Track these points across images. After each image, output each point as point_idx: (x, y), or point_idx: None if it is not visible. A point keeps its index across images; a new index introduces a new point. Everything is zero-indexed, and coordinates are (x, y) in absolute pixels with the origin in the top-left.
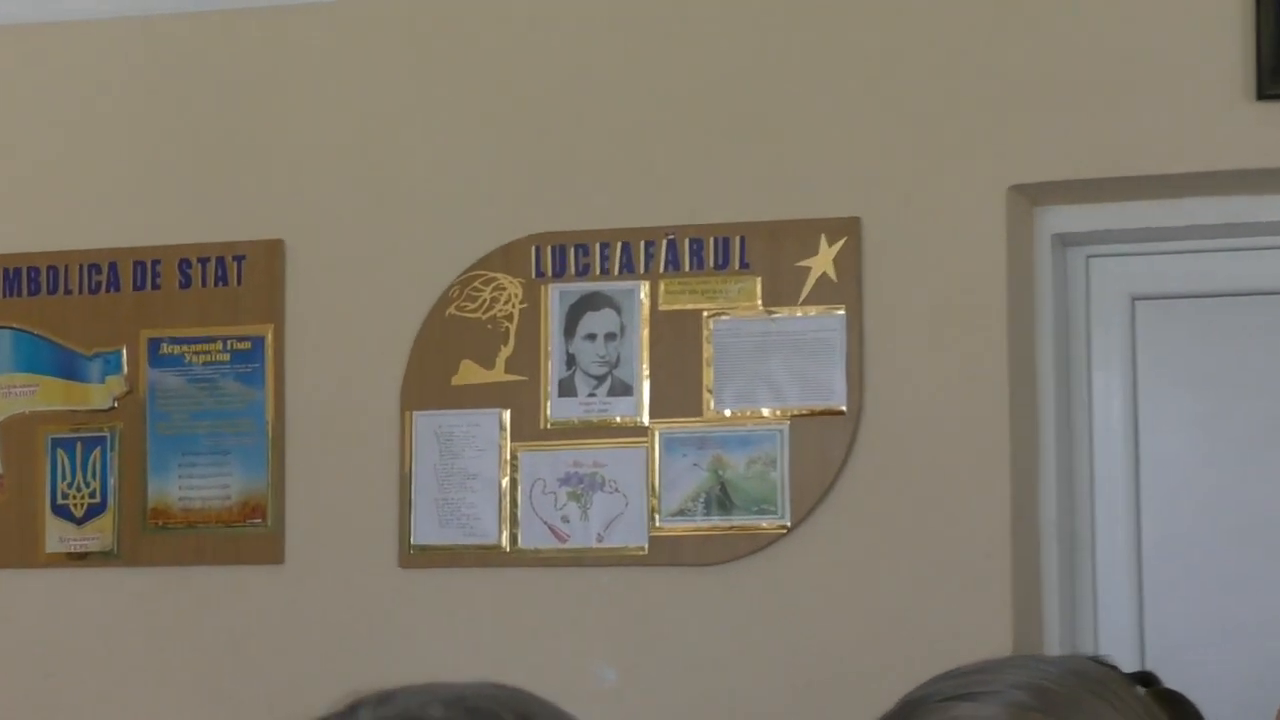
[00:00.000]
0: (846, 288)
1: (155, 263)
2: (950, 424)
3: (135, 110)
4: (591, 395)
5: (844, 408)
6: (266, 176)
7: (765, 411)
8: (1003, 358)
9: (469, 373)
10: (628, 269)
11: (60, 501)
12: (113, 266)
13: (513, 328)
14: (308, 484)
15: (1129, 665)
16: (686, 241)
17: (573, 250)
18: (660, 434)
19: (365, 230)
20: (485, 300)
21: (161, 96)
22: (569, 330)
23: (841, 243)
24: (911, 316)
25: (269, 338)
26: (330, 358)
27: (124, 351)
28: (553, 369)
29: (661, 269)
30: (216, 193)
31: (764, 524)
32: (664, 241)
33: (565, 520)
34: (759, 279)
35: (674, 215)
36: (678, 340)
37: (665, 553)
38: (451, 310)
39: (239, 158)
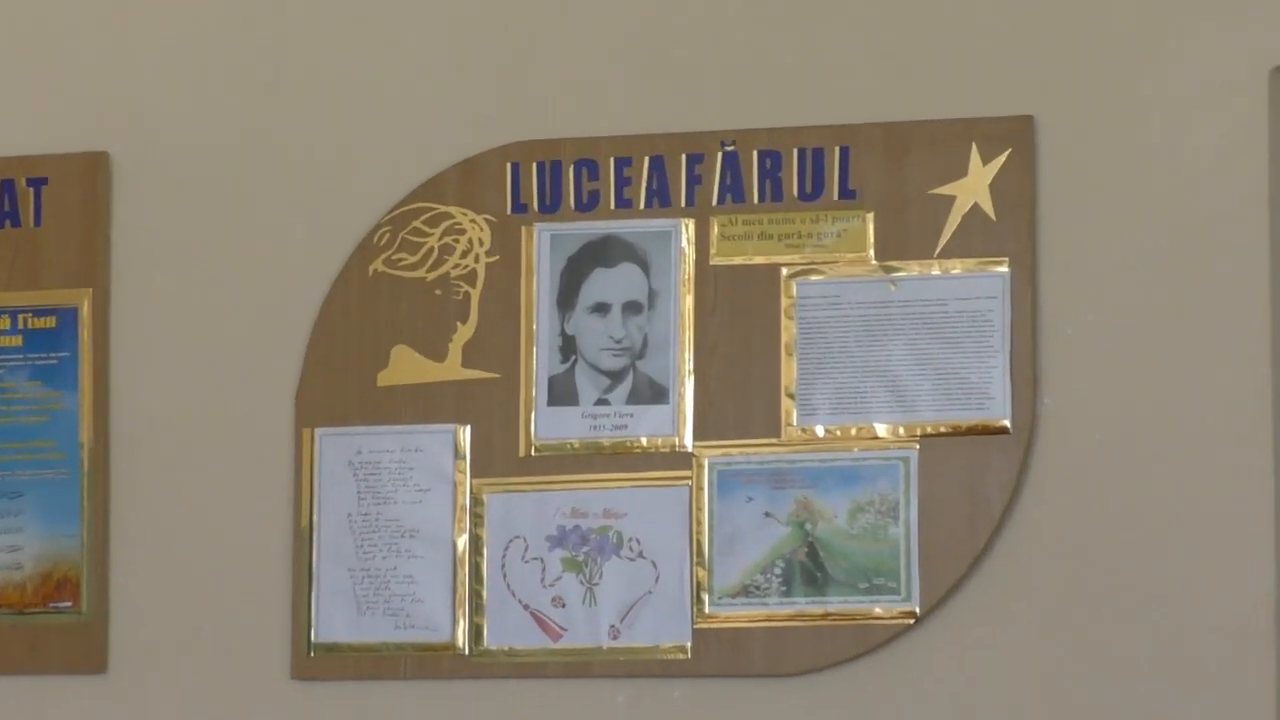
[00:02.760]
0: (1011, 229)
1: None
2: (1179, 444)
3: None
4: (602, 402)
5: (1007, 422)
6: (83, 62)
7: (881, 429)
8: (1265, 334)
9: (405, 366)
10: (660, 199)
11: None
12: None
13: (475, 294)
14: (145, 545)
15: None
16: (754, 155)
17: (571, 170)
18: (712, 465)
19: (237, 140)
20: (431, 250)
21: None
22: (566, 298)
23: (1003, 157)
24: (1115, 273)
25: (84, 310)
26: (180, 342)
27: None
28: (540, 360)
29: (715, 199)
30: (6, 86)
31: (878, 610)
32: (719, 155)
33: (560, 604)
34: (870, 216)
35: (734, 113)
36: (740, 314)
37: (719, 656)
38: (377, 266)
39: (42, 38)
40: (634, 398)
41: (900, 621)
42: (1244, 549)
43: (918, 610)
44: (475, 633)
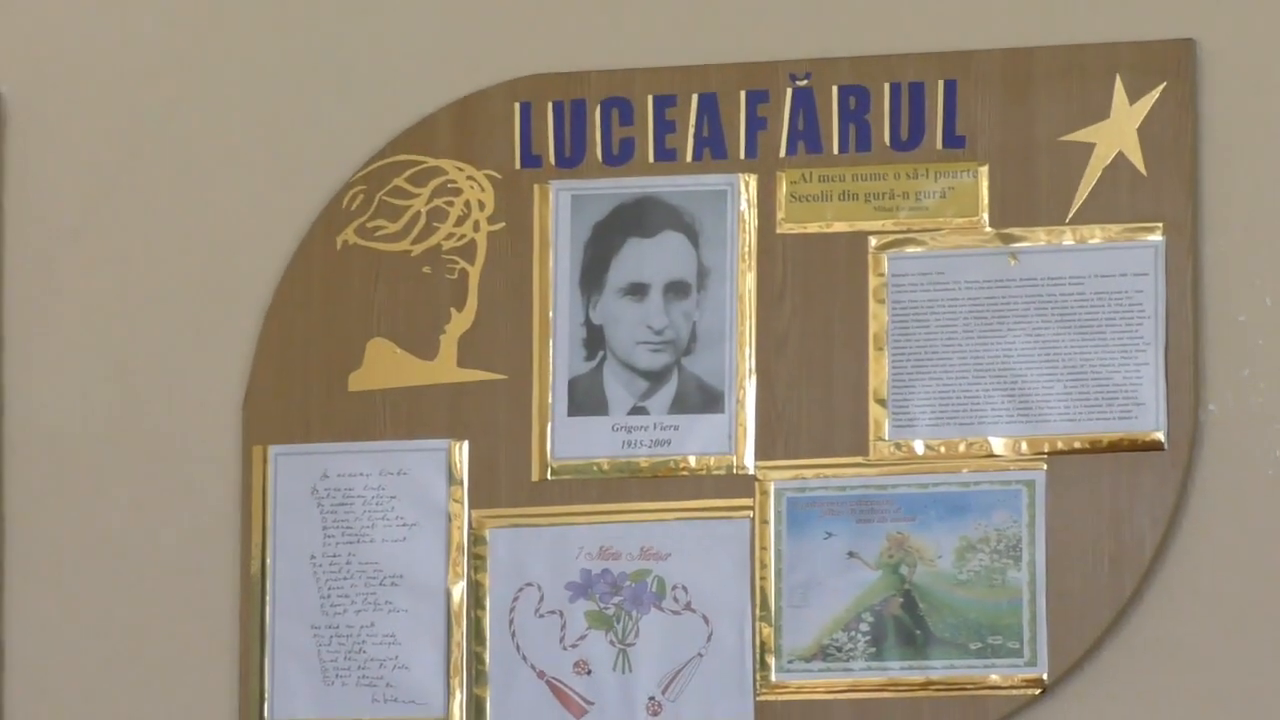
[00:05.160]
0: (1166, 186)
1: None
2: None
3: None
4: (639, 411)
5: (1161, 435)
6: None
7: (998, 444)
8: None
9: (384, 365)
10: (713, 149)
11: None
12: None
13: (474, 273)
14: (48, 597)
15: None
16: (834, 91)
17: (598, 112)
18: (780, 491)
19: (167, 80)
20: (417, 216)
21: None
22: (592, 277)
23: (1156, 94)
24: None
25: None
26: (92, 335)
27: None
28: (558, 357)
29: (783, 149)
30: None
31: (995, 677)
32: (789, 92)
33: (584, 670)
34: (984, 170)
35: (808, 38)
36: (816, 298)
37: None
38: (348, 236)
39: None
40: (679, 405)
41: (1024, 692)
42: None
43: (1045, 677)
44: (476, 708)
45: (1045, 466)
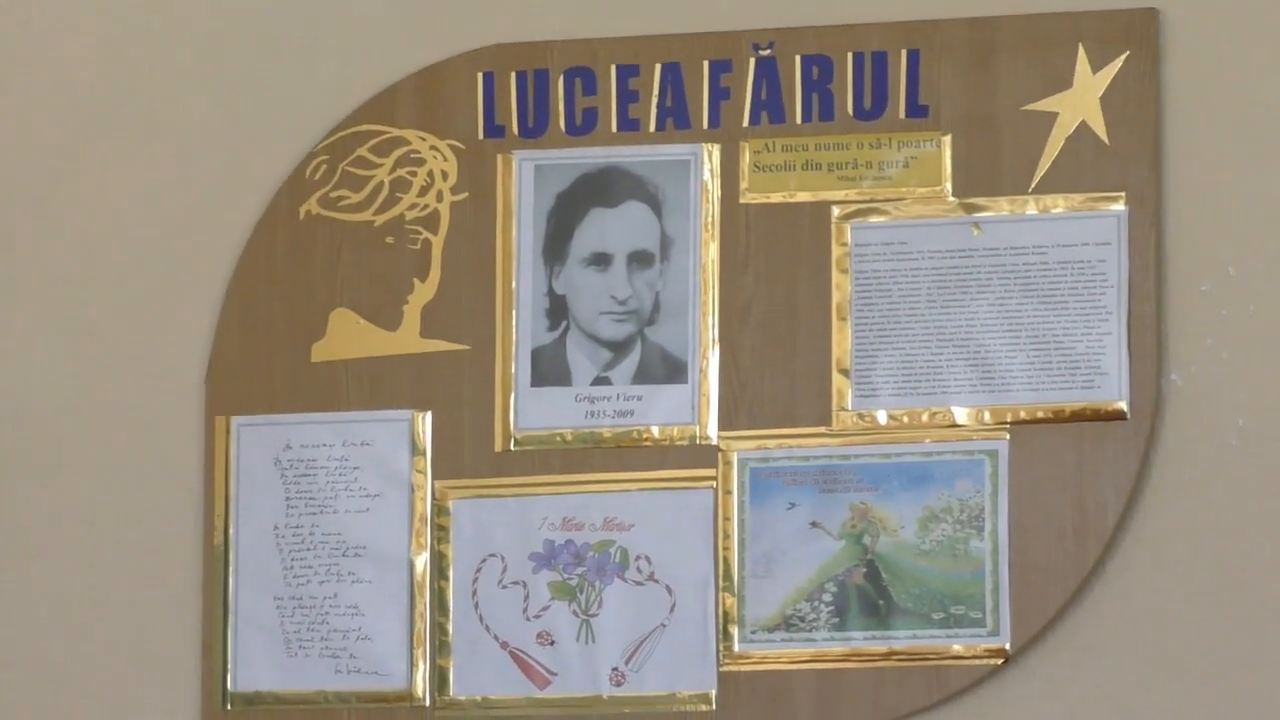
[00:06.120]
0: (1129, 156)
1: None
2: None
3: None
4: (602, 381)
5: (1124, 404)
6: None
7: (961, 414)
8: None
9: (347, 336)
10: (676, 118)
11: None
12: None
13: (438, 243)
14: (16, 569)
15: None
16: (797, 60)
17: (561, 82)
18: (744, 462)
19: (125, 43)
20: (380, 186)
21: None
22: (555, 247)
23: (1119, 63)
24: (1263, 213)
25: None
26: (55, 308)
27: None
28: (521, 328)
29: (746, 119)
30: None
31: (958, 647)
32: (752, 61)
33: (547, 641)
34: (947, 140)
35: (771, 7)
36: (780, 268)
37: (753, 708)
38: (310, 206)
39: None
40: (643, 375)
41: (985, 662)
42: None
43: (1008, 647)
44: (439, 679)
45: (1008, 436)
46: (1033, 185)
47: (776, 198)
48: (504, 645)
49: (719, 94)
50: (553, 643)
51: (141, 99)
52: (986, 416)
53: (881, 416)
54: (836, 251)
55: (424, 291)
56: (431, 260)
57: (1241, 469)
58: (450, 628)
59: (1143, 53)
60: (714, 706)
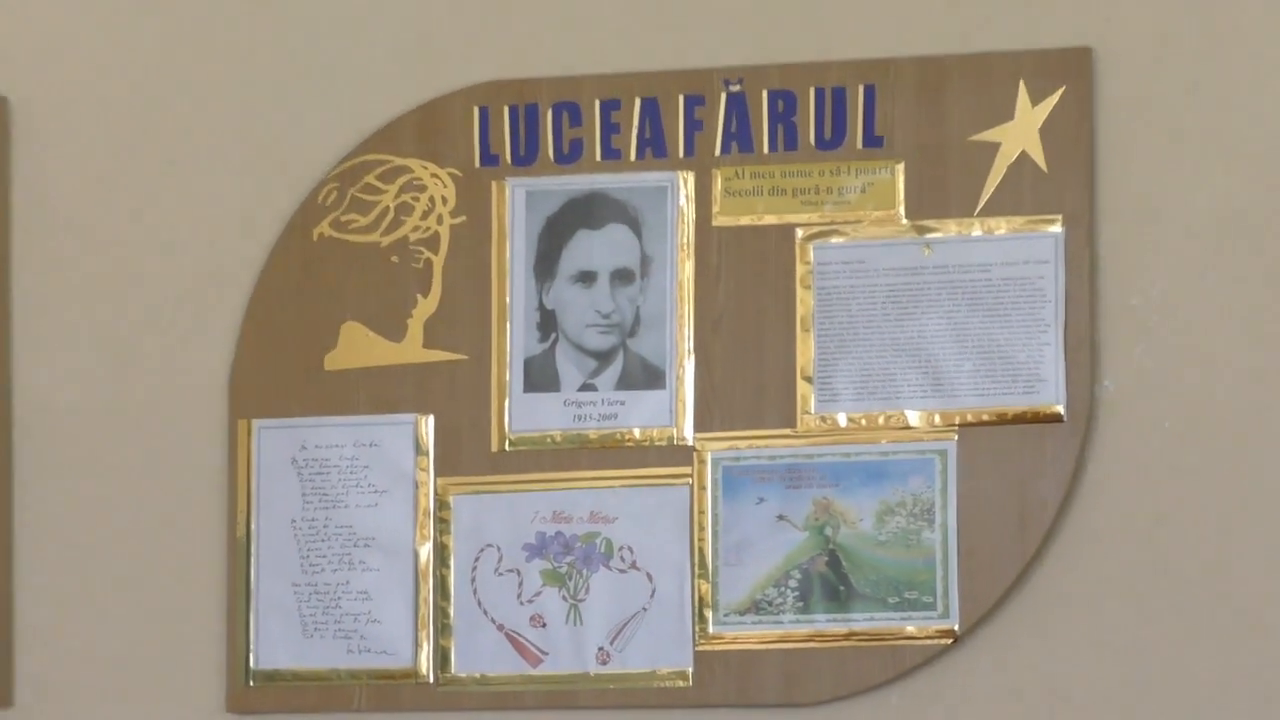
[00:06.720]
0: (1066, 182)
1: None
2: (1261, 433)
3: None
4: (588, 387)
5: (1061, 408)
6: None
7: (913, 417)
8: None
9: (356, 347)
10: (654, 148)
11: None
12: None
13: (438, 262)
14: (54, 559)
15: None
16: (764, 95)
17: (549, 115)
18: (717, 461)
19: (157, 86)
20: (386, 210)
21: None
22: (545, 266)
23: (1056, 97)
24: (1188, 234)
25: None
26: (94, 320)
27: None
28: (514, 339)
29: (718, 149)
30: None
31: (911, 628)
32: (723, 96)
33: (539, 624)
34: (900, 167)
35: (740, 47)
36: (749, 284)
37: (726, 683)
38: (323, 229)
39: None
40: (625, 382)
41: (936, 641)
42: None
43: (957, 628)
44: (441, 658)
45: (956, 437)
46: (978, 209)
47: (745, 220)
48: (500, 627)
49: (693, 126)
50: (544, 625)
51: (172, 130)
52: (937, 419)
53: (842, 419)
54: (800, 269)
55: (426, 306)
56: (433, 278)
57: (1167, 466)
58: (451, 611)
59: (1078, 88)
60: (690, 683)
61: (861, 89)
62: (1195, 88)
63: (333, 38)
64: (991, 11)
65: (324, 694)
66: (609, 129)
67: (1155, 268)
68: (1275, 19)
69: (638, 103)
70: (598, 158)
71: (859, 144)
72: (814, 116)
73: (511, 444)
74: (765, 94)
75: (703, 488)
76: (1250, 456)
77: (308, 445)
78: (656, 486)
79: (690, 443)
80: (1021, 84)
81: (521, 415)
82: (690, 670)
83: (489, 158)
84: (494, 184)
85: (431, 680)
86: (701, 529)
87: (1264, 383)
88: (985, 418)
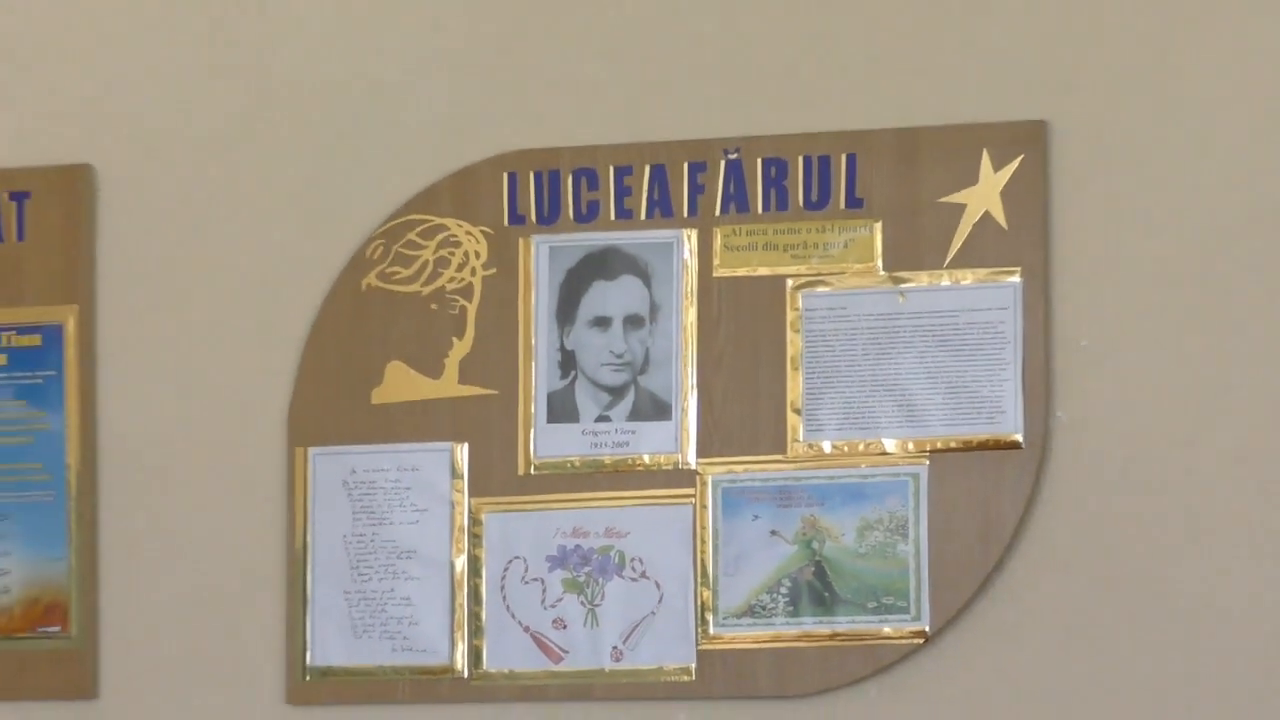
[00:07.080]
0: (1024, 238)
1: None
2: (1199, 459)
3: None
4: (603, 419)
5: (1019, 436)
6: (66, 73)
7: (890, 444)
8: None
9: (400, 383)
10: (662, 209)
11: None
12: None
13: (472, 309)
14: (135, 569)
15: None
16: (759, 163)
17: (569, 180)
18: (717, 483)
19: (225, 152)
20: (426, 264)
21: None
22: (565, 312)
23: (1015, 164)
24: (1132, 284)
25: (69, 328)
26: (169, 360)
27: None
28: (539, 376)
29: (718, 209)
30: None
31: (887, 630)
32: (722, 163)
33: (561, 626)
34: (878, 225)
35: (738, 120)
36: (745, 328)
37: (724, 678)
38: (371, 280)
39: (23, 49)
40: (636, 414)
41: (910, 641)
42: (1278, 566)
43: (928, 630)
44: (474, 655)
45: (928, 462)
46: (947, 261)
47: (742, 272)
48: (526, 629)
49: (696, 189)
50: (565, 627)
51: (237, 193)
52: (910, 446)
53: (826, 446)
54: (790, 315)
55: (461, 347)
56: (467, 323)
57: (1115, 488)
58: (484, 615)
59: (1034, 156)
60: (694, 677)
61: (844, 157)
62: (1139, 156)
63: (379, 112)
64: (959, 88)
65: (371, 687)
66: (622, 192)
67: (1102, 313)
68: (1211, 95)
69: (647, 169)
70: (612, 217)
71: (842, 205)
72: (803, 181)
73: (536, 468)
74: (760, 161)
75: (704, 506)
76: (1186, 478)
77: (357, 470)
78: (664, 505)
79: (693, 467)
80: (985, 152)
81: (545, 443)
82: (694, 666)
83: (516, 217)
84: (521, 240)
85: (466, 675)
86: (703, 543)
87: (1196, 414)
88: (953, 445)
